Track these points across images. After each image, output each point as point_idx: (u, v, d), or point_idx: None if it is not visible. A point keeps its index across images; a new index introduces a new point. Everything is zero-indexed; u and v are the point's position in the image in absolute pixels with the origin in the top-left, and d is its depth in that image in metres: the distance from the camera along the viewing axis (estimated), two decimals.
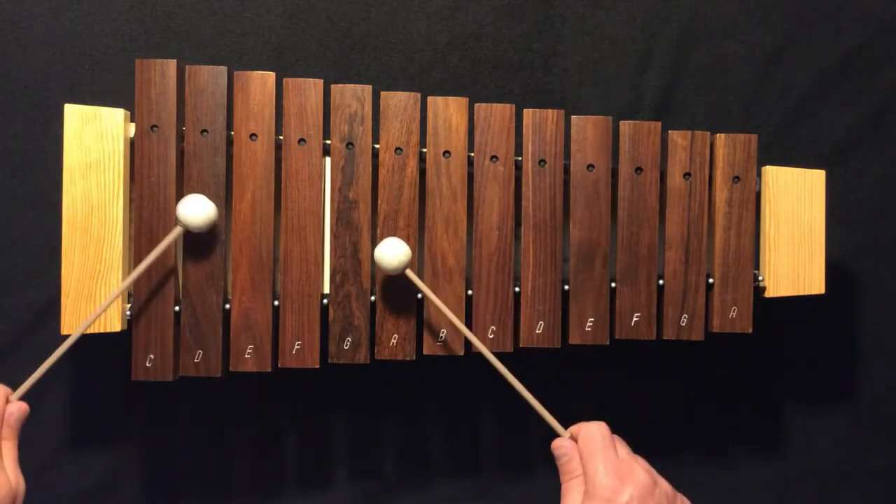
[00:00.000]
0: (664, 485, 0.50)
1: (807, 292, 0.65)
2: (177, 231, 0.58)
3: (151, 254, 0.57)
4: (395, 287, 0.62)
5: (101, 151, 0.60)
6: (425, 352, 0.63)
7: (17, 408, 0.52)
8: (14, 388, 0.53)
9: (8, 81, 0.70)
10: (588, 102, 0.74)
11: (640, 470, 0.49)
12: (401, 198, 0.62)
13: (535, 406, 0.55)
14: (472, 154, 0.63)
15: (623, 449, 0.52)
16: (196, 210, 0.57)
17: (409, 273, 0.59)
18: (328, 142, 0.62)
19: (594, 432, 0.51)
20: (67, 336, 0.56)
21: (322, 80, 0.61)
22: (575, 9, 0.74)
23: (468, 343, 0.63)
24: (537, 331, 0.63)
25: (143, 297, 0.60)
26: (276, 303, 0.62)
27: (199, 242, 0.61)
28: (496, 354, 0.63)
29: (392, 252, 0.58)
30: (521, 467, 0.74)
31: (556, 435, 0.54)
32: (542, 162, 0.63)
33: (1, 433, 0.50)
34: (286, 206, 0.61)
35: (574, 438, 0.53)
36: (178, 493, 0.72)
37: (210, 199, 0.60)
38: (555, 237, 0.63)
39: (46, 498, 0.70)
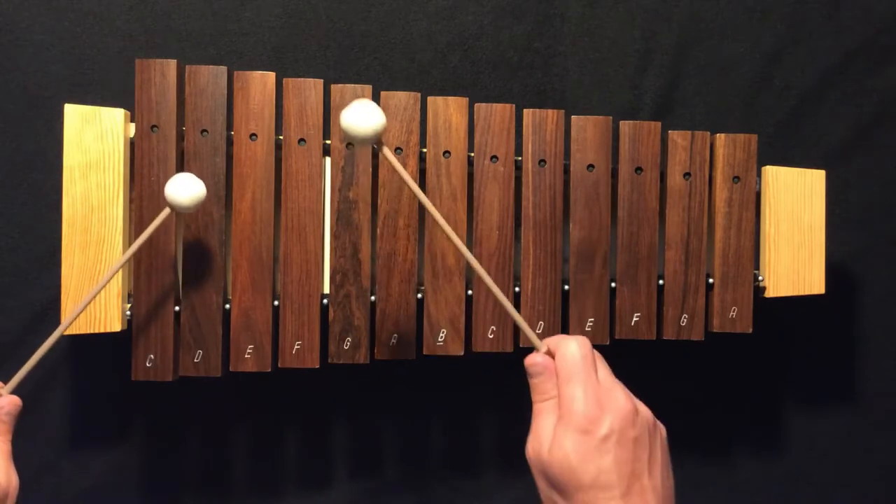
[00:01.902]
0: (644, 411, 0.45)
1: (807, 292, 0.65)
2: (165, 212, 0.54)
3: (140, 237, 0.54)
4: (396, 287, 0.62)
5: (101, 151, 0.60)
6: (425, 352, 0.63)
7: (8, 401, 0.49)
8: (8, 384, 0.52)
9: (8, 81, 0.70)
10: (588, 102, 0.74)
11: (620, 395, 0.44)
12: (401, 198, 0.62)
13: (504, 304, 0.50)
14: (472, 154, 0.63)
15: (603, 369, 0.46)
16: (183, 189, 0.53)
17: (386, 151, 0.49)
18: (328, 142, 0.62)
19: (574, 351, 0.45)
20: (68, 336, 0.56)
21: (322, 80, 0.61)
22: (575, 9, 0.74)
23: (468, 343, 0.63)
24: (537, 331, 0.63)
25: (143, 297, 0.60)
26: (276, 303, 0.62)
27: (199, 242, 0.61)
28: (496, 354, 0.63)
29: (365, 117, 0.47)
30: (521, 467, 0.74)
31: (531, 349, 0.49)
32: (542, 162, 0.63)
33: None
34: (286, 206, 0.61)
35: (551, 354, 0.47)
36: (178, 493, 0.72)
37: (210, 199, 0.60)
38: (555, 237, 0.63)
39: (46, 498, 0.70)
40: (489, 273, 0.62)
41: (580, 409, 0.43)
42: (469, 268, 0.63)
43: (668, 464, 0.45)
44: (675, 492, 0.45)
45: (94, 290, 0.54)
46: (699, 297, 0.64)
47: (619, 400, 0.44)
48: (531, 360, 0.47)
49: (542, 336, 0.63)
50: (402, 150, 0.62)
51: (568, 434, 0.43)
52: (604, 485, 0.41)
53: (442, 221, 0.50)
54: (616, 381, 0.46)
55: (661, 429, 0.46)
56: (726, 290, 0.64)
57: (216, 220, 0.61)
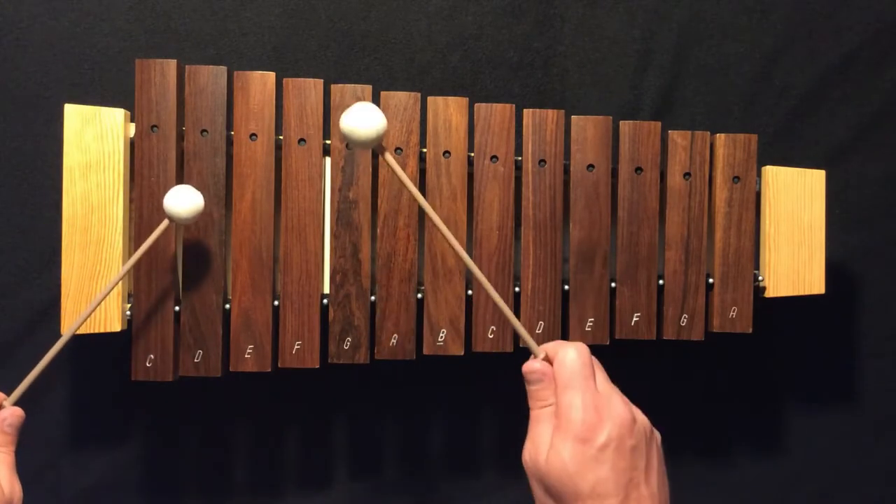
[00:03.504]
0: (642, 419, 0.45)
1: (807, 292, 0.65)
2: (164, 224, 0.55)
3: (139, 250, 0.55)
4: (396, 287, 0.62)
5: (101, 151, 0.60)
6: (425, 352, 0.63)
7: (11, 413, 0.49)
8: (12, 390, 0.52)
9: (8, 81, 0.70)
10: (588, 102, 0.74)
11: (618, 403, 0.44)
12: (401, 198, 0.62)
13: (501, 307, 0.49)
14: (472, 154, 0.63)
15: (601, 375, 0.46)
16: (182, 201, 0.55)
17: (389, 158, 0.48)
18: (328, 142, 0.62)
19: (572, 358, 0.45)
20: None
21: (322, 80, 0.61)
22: (575, 9, 0.74)
23: (468, 343, 0.63)
24: (537, 331, 0.63)
25: (143, 297, 0.60)
26: (276, 303, 0.62)
27: (199, 242, 0.61)
28: (496, 354, 0.63)
29: (366, 121, 0.46)
30: (522, 467, 0.74)
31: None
32: (542, 162, 0.63)
33: None
34: (286, 206, 0.61)
35: (549, 360, 0.46)
36: (178, 493, 0.72)
37: (210, 199, 0.60)
38: (555, 237, 0.63)
39: (46, 498, 0.70)
40: (489, 274, 0.63)
41: (578, 417, 0.42)
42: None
43: (664, 471, 0.45)
44: (670, 498, 0.45)
45: (94, 302, 0.54)
46: (699, 297, 0.64)
47: (617, 408, 0.43)
48: (529, 367, 0.46)
49: (541, 338, 0.63)
50: (402, 150, 0.62)
51: (566, 443, 0.42)
52: (601, 494, 0.41)
53: (439, 221, 0.50)
54: (614, 388, 0.46)
55: (657, 436, 0.46)
56: (726, 290, 0.64)
57: (216, 220, 0.61)
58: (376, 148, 0.47)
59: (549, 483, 0.43)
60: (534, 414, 0.46)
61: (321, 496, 0.73)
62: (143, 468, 0.72)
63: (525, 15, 0.74)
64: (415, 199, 0.62)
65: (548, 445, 0.43)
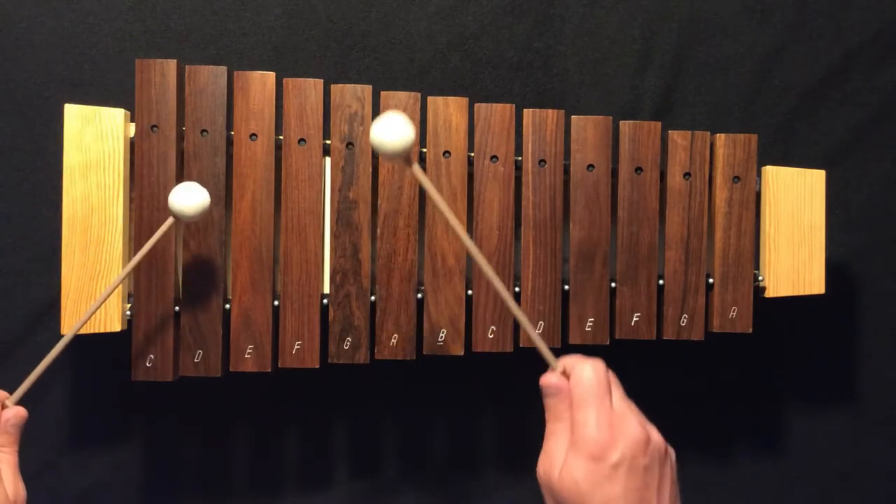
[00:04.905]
0: (656, 439, 0.45)
1: (807, 292, 0.65)
2: (168, 222, 0.55)
3: (143, 248, 0.56)
4: (396, 287, 0.62)
5: (101, 151, 0.60)
6: (425, 352, 0.63)
7: (14, 413, 0.50)
8: (12, 390, 0.52)
9: (8, 81, 0.70)
10: (588, 102, 0.74)
11: (633, 422, 0.44)
12: (401, 198, 0.62)
13: (522, 322, 0.49)
14: (472, 154, 0.63)
15: (618, 392, 0.46)
16: (188, 198, 0.54)
17: (417, 169, 0.48)
18: (328, 142, 0.62)
19: (589, 375, 0.45)
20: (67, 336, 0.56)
21: (322, 80, 0.61)
22: (575, 9, 0.74)
23: (468, 343, 0.63)
24: (538, 331, 0.63)
25: (143, 297, 0.60)
26: (276, 303, 0.62)
27: (199, 242, 0.61)
28: (496, 354, 0.63)
29: (393, 132, 0.46)
30: (522, 467, 0.74)
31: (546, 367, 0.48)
32: (542, 162, 0.63)
33: None
34: (286, 206, 0.61)
35: (566, 374, 0.47)
36: (178, 493, 0.72)
37: (210, 197, 0.60)
38: (555, 237, 0.63)
39: (46, 498, 0.70)
40: None
41: (592, 435, 0.43)
42: (469, 268, 0.63)
43: (677, 491, 0.46)
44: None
45: (97, 302, 0.54)
46: (699, 297, 0.64)
47: (631, 427, 0.44)
48: (546, 381, 0.47)
49: (541, 338, 0.63)
50: None
51: (579, 460, 0.43)
52: None
53: (475, 250, 0.50)
54: (630, 406, 0.46)
55: (672, 454, 0.46)
56: (726, 290, 0.64)
57: (216, 220, 0.61)
58: (405, 160, 0.47)
59: (561, 499, 0.43)
60: (549, 427, 0.46)
61: (321, 496, 0.73)
62: (143, 468, 0.72)
63: (525, 15, 0.74)
64: (416, 197, 0.62)
65: (562, 461, 0.44)
